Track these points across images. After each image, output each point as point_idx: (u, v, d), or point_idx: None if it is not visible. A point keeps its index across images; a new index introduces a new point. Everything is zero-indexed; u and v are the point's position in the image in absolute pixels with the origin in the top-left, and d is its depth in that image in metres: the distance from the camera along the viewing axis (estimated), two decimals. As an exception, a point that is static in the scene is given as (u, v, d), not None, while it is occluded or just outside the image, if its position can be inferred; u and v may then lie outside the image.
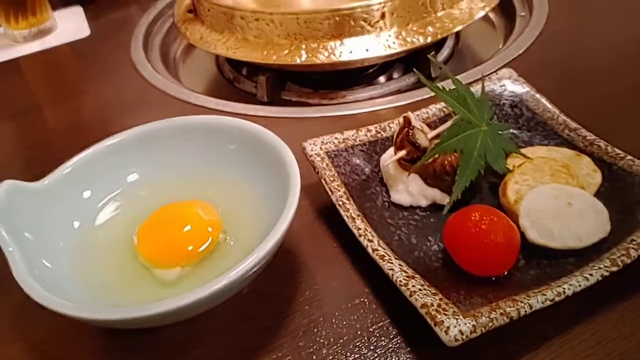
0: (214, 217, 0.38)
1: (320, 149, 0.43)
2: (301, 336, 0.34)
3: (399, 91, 0.62)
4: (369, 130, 0.45)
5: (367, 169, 0.44)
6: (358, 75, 0.65)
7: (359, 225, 0.37)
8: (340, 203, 0.39)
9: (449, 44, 0.70)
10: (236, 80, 0.69)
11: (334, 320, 0.35)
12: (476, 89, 0.42)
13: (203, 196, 0.40)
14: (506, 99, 0.48)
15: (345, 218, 0.38)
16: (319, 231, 0.41)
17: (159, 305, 0.29)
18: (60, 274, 0.35)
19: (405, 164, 0.40)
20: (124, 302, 0.34)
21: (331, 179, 0.41)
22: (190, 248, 0.36)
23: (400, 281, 0.33)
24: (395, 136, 0.41)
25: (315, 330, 0.35)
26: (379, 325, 0.35)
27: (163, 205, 0.39)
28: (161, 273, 0.36)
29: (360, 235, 0.37)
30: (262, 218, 0.38)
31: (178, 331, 0.35)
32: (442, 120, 0.47)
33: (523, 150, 0.42)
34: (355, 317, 0.35)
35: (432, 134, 0.41)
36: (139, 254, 0.37)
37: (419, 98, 0.55)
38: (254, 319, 0.36)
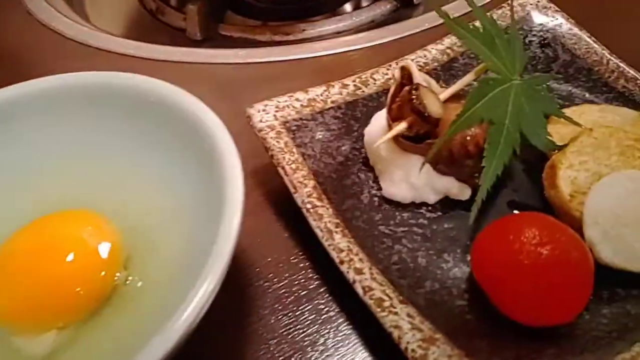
0: (109, 240, 0.24)
1: (275, 117, 0.29)
2: None
3: (372, 23, 0.47)
4: (344, 86, 0.31)
5: (344, 147, 0.30)
6: (317, 3, 0.49)
7: (339, 245, 0.24)
8: (309, 207, 0.25)
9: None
10: (160, 12, 0.52)
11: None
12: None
13: (91, 200, 0.25)
14: (533, 35, 0.34)
15: (318, 232, 0.25)
16: (275, 242, 0.28)
17: None
18: None
19: (406, 142, 0.26)
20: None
21: (293, 166, 0.27)
22: (70, 298, 0.23)
23: (414, 351, 0.20)
24: (389, 99, 0.27)
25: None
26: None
27: (28, 223, 0.24)
28: (25, 343, 0.22)
29: (342, 262, 0.23)
30: (185, 234, 0.24)
31: None
32: (446, 67, 0.33)
33: (568, 112, 0.29)
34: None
35: (445, 94, 0.27)
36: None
37: (406, 33, 0.41)
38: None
